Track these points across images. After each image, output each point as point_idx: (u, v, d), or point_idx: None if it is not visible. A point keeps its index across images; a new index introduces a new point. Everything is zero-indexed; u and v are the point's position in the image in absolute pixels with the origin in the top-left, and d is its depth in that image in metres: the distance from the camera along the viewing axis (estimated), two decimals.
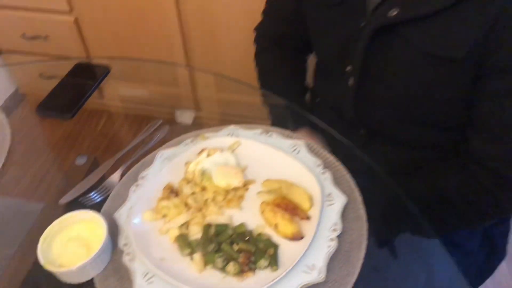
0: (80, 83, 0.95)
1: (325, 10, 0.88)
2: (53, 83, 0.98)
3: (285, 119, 1.01)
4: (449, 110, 0.81)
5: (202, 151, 0.76)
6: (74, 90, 0.93)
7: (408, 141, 0.89)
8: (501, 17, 0.66)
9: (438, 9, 0.69)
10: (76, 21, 1.79)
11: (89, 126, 1.06)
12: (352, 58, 0.83)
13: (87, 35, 1.84)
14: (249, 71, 1.11)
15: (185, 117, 1.08)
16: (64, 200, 0.76)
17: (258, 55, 1.11)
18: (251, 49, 1.12)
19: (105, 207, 0.73)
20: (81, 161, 0.83)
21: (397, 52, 0.77)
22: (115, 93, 1.40)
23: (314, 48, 0.99)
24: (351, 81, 0.85)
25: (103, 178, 0.79)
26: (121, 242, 0.67)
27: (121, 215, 0.70)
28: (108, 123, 1.16)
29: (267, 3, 1.07)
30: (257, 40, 1.11)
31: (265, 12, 1.08)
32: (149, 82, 1.27)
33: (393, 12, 0.73)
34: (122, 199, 0.73)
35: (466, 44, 0.70)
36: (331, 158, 0.77)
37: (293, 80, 1.08)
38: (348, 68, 0.85)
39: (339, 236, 0.64)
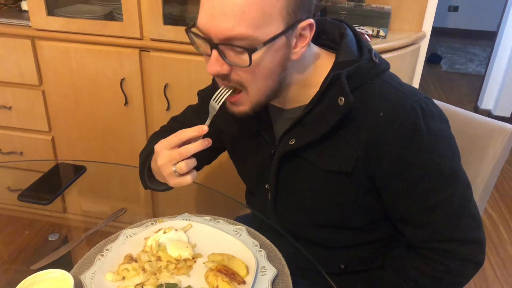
0: (58, 177, 1.11)
1: (242, 141, 1.04)
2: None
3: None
4: (352, 212, 0.95)
5: (159, 230, 0.92)
6: (53, 183, 1.09)
7: (326, 242, 1.02)
8: (371, 140, 0.83)
9: (321, 136, 0.86)
10: (53, 139, 2.00)
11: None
12: (268, 179, 0.99)
13: (59, 152, 2.04)
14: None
15: None
16: (35, 266, 0.88)
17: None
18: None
19: (72, 271, 0.85)
20: (53, 237, 0.96)
21: (302, 170, 0.93)
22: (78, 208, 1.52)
23: (237, 170, 1.13)
24: (269, 196, 1.01)
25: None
26: None
27: (86, 277, 0.82)
28: None
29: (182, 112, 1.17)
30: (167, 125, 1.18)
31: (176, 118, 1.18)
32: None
33: (292, 141, 0.90)
34: (88, 266, 0.86)
35: (351, 160, 0.86)
36: (267, 241, 0.94)
37: None
38: (266, 186, 1.01)
39: None
